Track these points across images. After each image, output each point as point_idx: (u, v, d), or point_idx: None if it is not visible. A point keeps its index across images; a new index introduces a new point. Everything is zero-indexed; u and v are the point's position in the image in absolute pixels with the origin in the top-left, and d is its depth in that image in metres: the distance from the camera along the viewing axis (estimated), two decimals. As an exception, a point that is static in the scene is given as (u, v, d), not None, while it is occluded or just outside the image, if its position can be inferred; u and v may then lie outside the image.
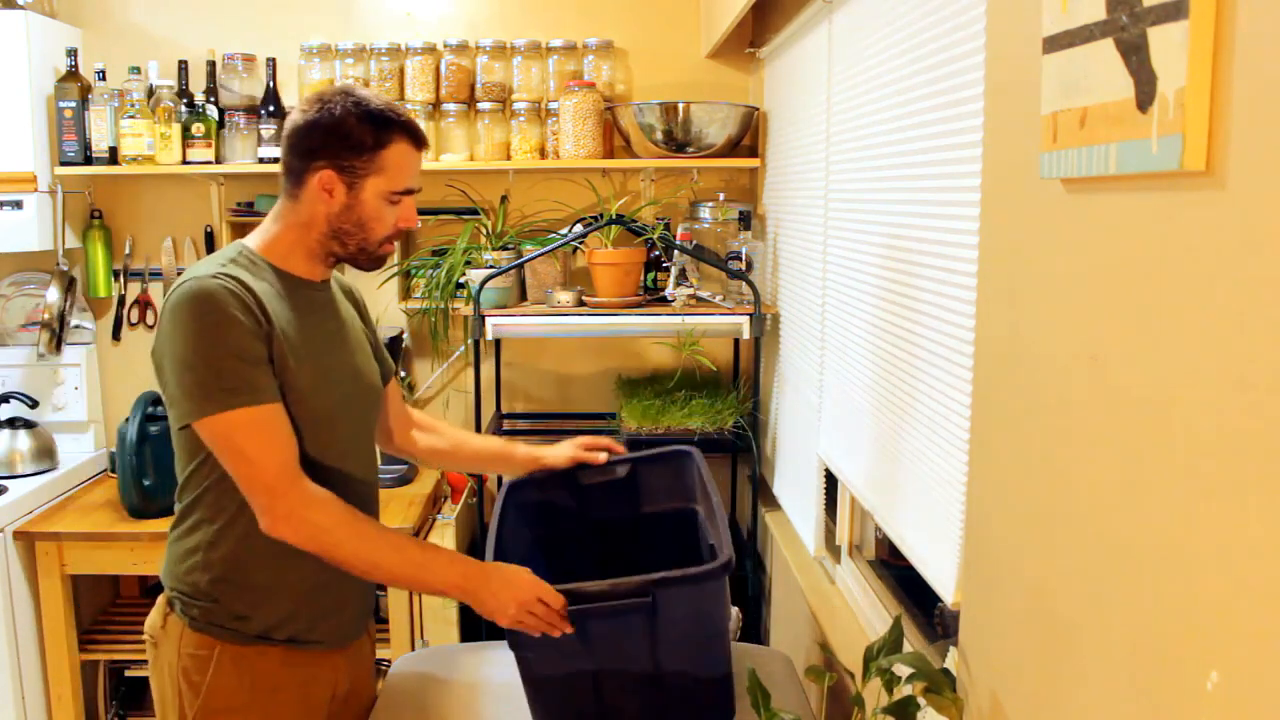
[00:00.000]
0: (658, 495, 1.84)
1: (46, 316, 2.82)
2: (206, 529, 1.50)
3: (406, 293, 2.99)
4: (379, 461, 1.72)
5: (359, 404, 1.61)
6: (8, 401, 2.81)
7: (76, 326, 2.99)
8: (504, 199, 3.00)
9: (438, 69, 2.90)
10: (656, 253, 2.82)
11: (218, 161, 2.82)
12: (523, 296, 2.87)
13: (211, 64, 2.89)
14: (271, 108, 2.82)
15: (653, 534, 1.82)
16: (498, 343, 3.02)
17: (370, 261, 1.57)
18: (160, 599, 1.57)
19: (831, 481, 2.20)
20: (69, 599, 2.55)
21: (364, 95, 1.50)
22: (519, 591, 1.45)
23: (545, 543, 1.80)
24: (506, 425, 3.07)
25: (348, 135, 1.47)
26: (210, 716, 1.50)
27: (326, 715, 1.62)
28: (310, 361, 1.49)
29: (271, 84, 2.83)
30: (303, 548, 1.42)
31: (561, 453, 1.83)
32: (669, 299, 2.69)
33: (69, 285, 2.87)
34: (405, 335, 3.00)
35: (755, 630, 2.75)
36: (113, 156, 2.79)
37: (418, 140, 1.53)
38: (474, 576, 1.48)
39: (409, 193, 1.54)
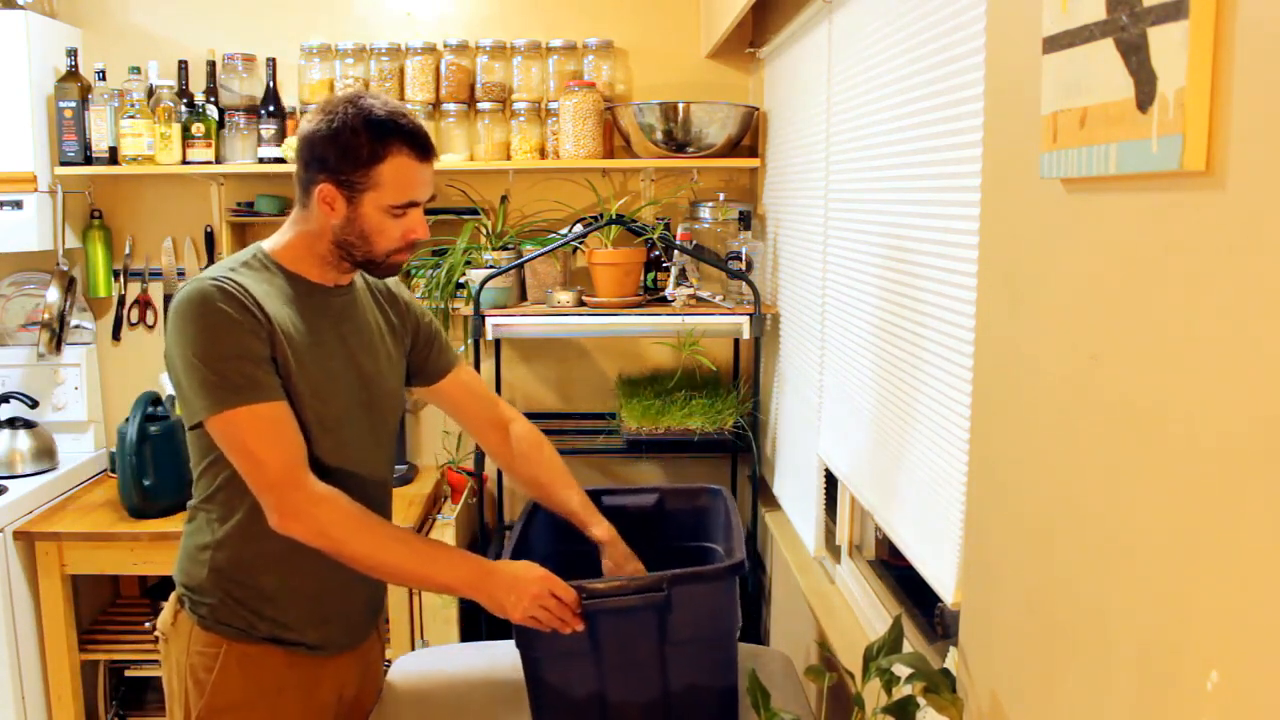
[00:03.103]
0: (683, 533, 1.83)
1: (46, 316, 2.82)
2: (216, 528, 1.50)
3: (406, 293, 2.99)
4: (393, 464, 1.72)
5: (369, 409, 1.58)
6: (8, 401, 2.81)
7: (76, 326, 2.99)
8: (504, 199, 3.00)
9: (438, 69, 2.90)
10: (656, 253, 2.82)
11: (218, 161, 2.82)
12: (523, 296, 2.87)
13: (211, 64, 2.89)
14: (271, 108, 2.82)
15: (670, 567, 1.83)
16: (498, 343, 3.02)
17: (381, 270, 1.54)
18: (172, 596, 1.57)
19: (831, 481, 2.20)
20: (69, 599, 2.55)
21: (368, 104, 1.44)
22: (531, 585, 1.44)
23: (564, 557, 1.77)
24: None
25: (345, 148, 1.42)
26: (214, 715, 1.50)
27: (335, 717, 1.62)
28: (314, 365, 1.48)
29: (271, 84, 2.83)
30: (312, 544, 1.42)
31: (600, 535, 1.74)
32: (669, 299, 2.69)
33: (69, 285, 2.87)
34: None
35: (755, 630, 2.75)
36: (113, 156, 2.79)
37: (422, 151, 1.46)
38: (485, 572, 1.48)
39: (414, 205, 1.48)
